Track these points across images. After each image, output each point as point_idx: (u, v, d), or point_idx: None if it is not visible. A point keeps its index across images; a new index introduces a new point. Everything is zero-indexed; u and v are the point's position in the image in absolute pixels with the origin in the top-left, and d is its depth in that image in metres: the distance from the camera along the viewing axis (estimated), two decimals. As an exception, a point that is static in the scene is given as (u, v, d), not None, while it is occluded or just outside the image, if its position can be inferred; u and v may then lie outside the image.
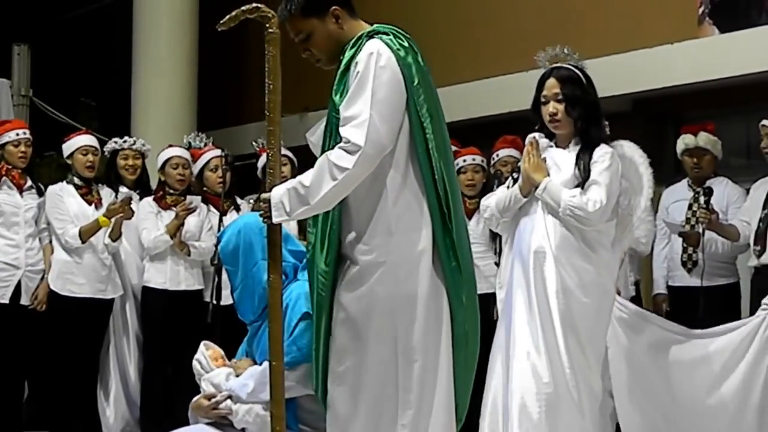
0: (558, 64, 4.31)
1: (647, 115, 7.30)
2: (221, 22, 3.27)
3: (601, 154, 4.18)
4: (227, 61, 9.92)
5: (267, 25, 3.22)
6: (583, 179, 4.15)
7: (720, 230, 5.48)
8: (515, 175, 4.37)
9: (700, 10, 6.66)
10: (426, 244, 3.12)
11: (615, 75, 6.81)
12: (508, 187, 4.37)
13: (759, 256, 5.33)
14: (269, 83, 3.22)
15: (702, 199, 5.43)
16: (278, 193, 3.11)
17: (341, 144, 3.04)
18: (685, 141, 5.89)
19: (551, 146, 4.33)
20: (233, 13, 3.25)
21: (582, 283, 4.10)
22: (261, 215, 3.19)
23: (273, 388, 3.23)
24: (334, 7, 3.17)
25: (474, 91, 7.83)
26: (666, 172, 7.01)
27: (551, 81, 4.25)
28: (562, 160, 4.25)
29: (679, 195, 5.95)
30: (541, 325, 4.08)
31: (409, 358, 3.09)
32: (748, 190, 5.71)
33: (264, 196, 3.16)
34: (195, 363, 3.72)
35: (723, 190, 5.78)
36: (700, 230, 5.42)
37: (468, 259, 3.19)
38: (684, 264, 5.81)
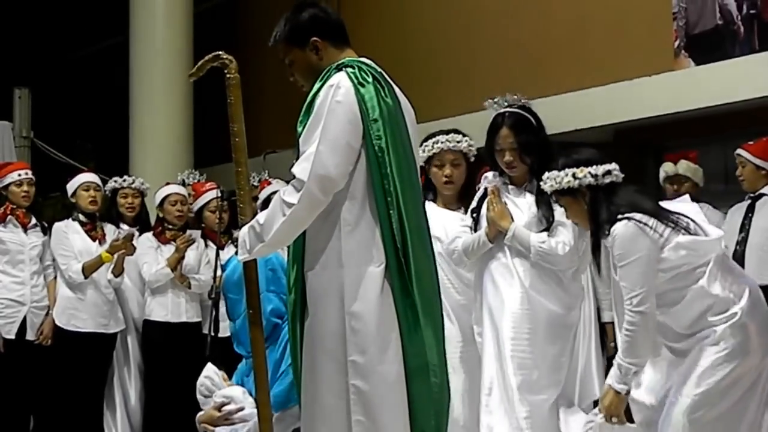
0: (508, 110, 4.27)
1: (628, 145, 7.32)
2: (190, 72, 3.39)
3: None
4: (222, 100, 9.97)
5: (225, 71, 3.28)
6: (548, 222, 4.19)
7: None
8: (474, 215, 4.38)
9: (676, 43, 6.74)
10: (376, 278, 3.05)
11: (597, 107, 7.00)
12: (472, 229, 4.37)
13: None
14: (232, 126, 3.27)
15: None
16: (243, 232, 3.14)
17: (292, 180, 3.04)
18: (665, 169, 5.97)
19: (506, 183, 4.36)
20: (199, 63, 3.35)
21: (554, 317, 4.17)
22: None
23: (259, 405, 3.27)
24: (314, 39, 3.21)
25: (461, 124, 7.94)
26: (648, 199, 7.18)
27: (504, 131, 4.24)
28: (521, 202, 4.30)
29: (662, 221, 6.05)
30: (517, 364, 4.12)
31: (357, 386, 3.03)
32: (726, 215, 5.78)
33: (236, 234, 3.21)
34: (205, 381, 3.74)
35: (704, 215, 5.89)
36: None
37: (429, 295, 3.12)
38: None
